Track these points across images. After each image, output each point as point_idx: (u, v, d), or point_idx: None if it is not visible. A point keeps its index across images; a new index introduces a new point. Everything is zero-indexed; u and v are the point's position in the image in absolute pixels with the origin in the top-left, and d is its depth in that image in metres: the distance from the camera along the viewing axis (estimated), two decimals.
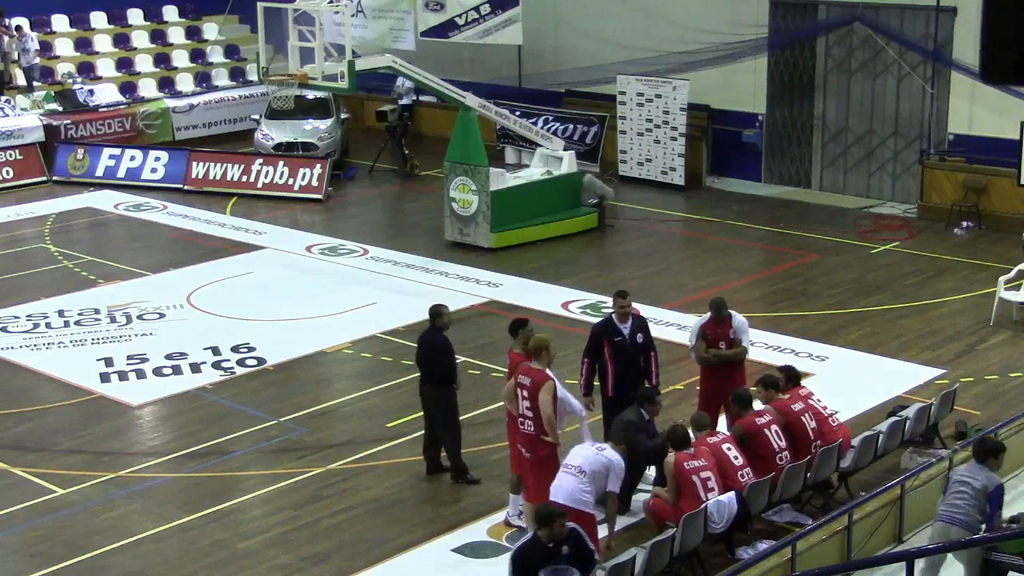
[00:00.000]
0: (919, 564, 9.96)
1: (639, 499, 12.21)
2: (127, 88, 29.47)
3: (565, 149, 22.81)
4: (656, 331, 14.83)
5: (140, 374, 16.05)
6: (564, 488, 10.63)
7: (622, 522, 12.03)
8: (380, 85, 29.09)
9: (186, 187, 25.54)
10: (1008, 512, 10.80)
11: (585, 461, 10.68)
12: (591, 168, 24.65)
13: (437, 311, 13.06)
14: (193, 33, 31.89)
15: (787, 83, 25.06)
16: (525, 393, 11.26)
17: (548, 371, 11.40)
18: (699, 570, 10.99)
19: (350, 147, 27.66)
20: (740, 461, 11.46)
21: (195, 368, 16.18)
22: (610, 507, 10.87)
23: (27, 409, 15.16)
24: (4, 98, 26.91)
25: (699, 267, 20.56)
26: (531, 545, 9.68)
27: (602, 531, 10.92)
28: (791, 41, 24.78)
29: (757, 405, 12.24)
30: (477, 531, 12.04)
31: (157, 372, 16.10)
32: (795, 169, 25.34)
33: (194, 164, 25.77)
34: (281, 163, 25.28)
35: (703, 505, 10.93)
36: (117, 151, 26.47)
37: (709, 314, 13.07)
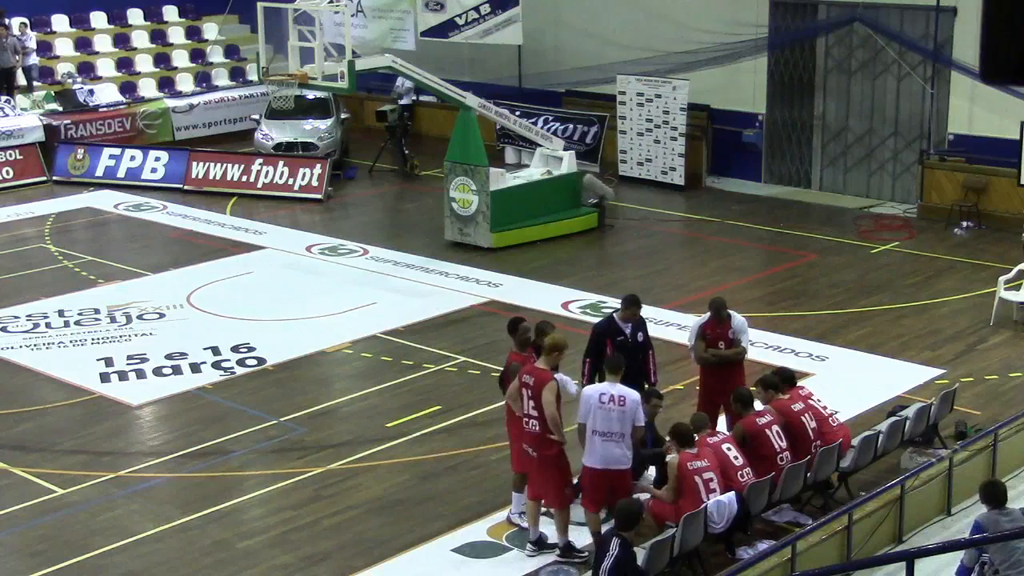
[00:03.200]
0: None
1: (639, 499, 12.21)
2: (127, 88, 29.47)
3: (565, 149, 22.80)
4: (656, 331, 14.86)
5: (140, 374, 16.05)
6: (612, 456, 11.07)
7: None
8: (380, 85, 29.10)
9: (186, 187, 25.53)
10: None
11: (620, 424, 11.03)
12: (591, 168, 24.65)
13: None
14: (193, 33, 31.89)
15: (787, 83, 25.06)
16: (529, 392, 11.25)
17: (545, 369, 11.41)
18: (699, 570, 10.99)
19: (350, 147, 27.65)
20: (740, 461, 11.46)
21: (195, 368, 16.18)
22: (637, 435, 11.24)
23: (27, 409, 15.16)
24: (4, 98, 26.91)
25: (699, 267, 20.56)
26: (623, 555, 9.88)
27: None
28: (791, 41, 24.77)
29: (757, 405, 12.24)
30: (477, 531, 12.03)
31: (157, 372, 16.10)
32: (795, 169, 25.34)
33: (194, 164, 25.76)
34: (281, 163, 25.28)
35: (703, 505, 10.93)
36: (117, 151, 26.47)
37: (709, 314, 13.07)
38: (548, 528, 11.72)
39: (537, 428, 11.24)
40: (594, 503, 11.34)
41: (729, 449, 11.50)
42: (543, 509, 11.69)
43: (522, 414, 11.36)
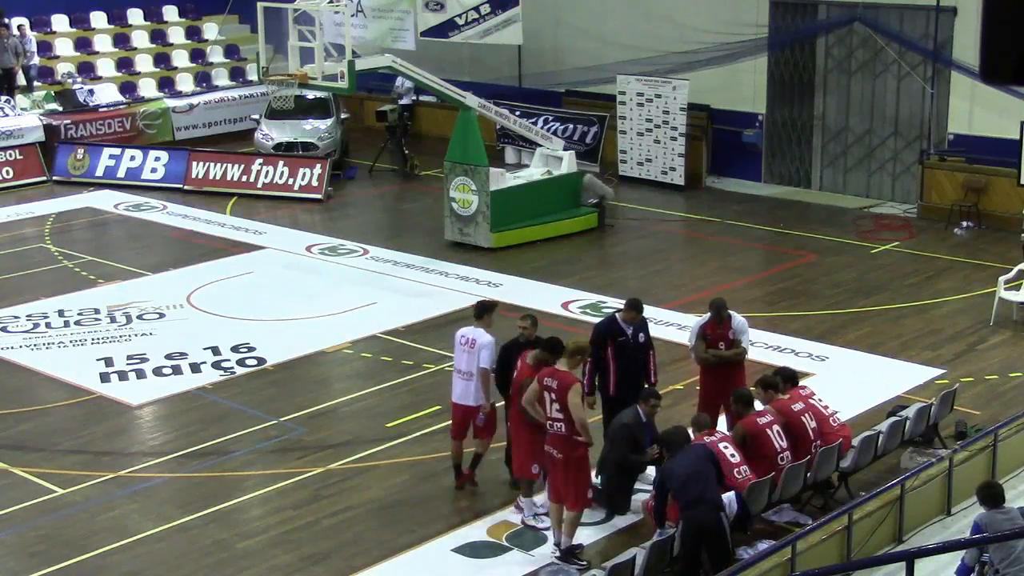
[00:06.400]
0: None
1: (639, 499, 12.22)
2: (127, 88, 29.46)
3: (565, 149, 22.80)
4: (656, 331, 14.84)
5: (140, 374, 16.05)
6: (464, 391, 12.44)
7: (622, 522, 12.07)
8: (380, 85, 29.10)
9: (186, 187, 25.53)
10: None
11: (468, 363, 12.36)
12: (591, 168, 24.64)
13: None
14: (193, 33, 31.89)
15: (787, 83, 25.06)
16: (553, 396, 11.17)
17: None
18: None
19: (350, 147, 27.66)
20: (737, 459, 11.46)
21: (195, 368, 16.18)
22: (483, 379, 12.36)
23: (27, 409, 15.16)
24: (4, 98, 26.90)
25: (699, 267, 20.56)
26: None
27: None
28: (791, 41, 24.77)
29: (757, 405, 12.24)
30: (477, 531, 12.03)
31: (157, 372, 16.10)
32: (795, 169, 25.34)
33: (194, 164, 25.77)
34: (281, 163, 25.27)
35: None
36: (117, 151, 26.47)
37: (709, 314, 13.08)
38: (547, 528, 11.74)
39: (563, 430, 11.15)
40: (454, 431, 12.70)
41: (726, 447, 11.50)
42: (542, 507, 11.68)
43: (544, 418, 11.29)
